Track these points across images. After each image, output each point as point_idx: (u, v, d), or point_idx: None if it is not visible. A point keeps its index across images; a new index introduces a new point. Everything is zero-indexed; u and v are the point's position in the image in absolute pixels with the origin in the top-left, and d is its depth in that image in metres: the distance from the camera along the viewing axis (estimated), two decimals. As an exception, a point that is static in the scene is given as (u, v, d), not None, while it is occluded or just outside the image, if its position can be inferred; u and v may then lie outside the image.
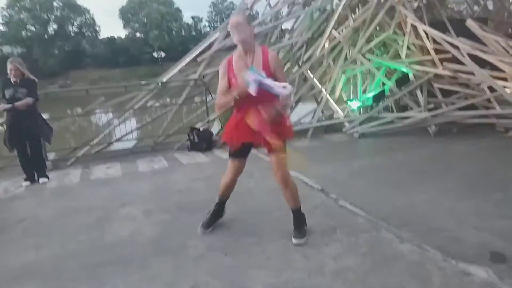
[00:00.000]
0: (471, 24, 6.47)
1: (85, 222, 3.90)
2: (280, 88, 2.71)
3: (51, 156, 6.47)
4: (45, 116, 5.82)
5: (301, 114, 7.64)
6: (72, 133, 9.80)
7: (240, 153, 3.18)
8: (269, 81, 2.73)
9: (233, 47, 8.08)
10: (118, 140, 7.03)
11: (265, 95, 2.77)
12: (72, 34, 51.02)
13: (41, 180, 5.41)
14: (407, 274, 2.61)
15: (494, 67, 6.11)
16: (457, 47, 6.31)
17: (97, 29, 53.12)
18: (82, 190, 5.01)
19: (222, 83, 3.01)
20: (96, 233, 3.61)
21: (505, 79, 6.01)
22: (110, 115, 7.35)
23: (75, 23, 51.86)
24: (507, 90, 5.88)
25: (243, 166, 3.25)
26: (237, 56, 2.98)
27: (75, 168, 6.05)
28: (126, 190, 4.84)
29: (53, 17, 50.17)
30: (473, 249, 2.86)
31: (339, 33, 7.40)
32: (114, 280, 2.79)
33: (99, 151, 6.75)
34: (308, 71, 7.37)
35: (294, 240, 3.12)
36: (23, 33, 48.24)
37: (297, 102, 7.38)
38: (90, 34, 52.54)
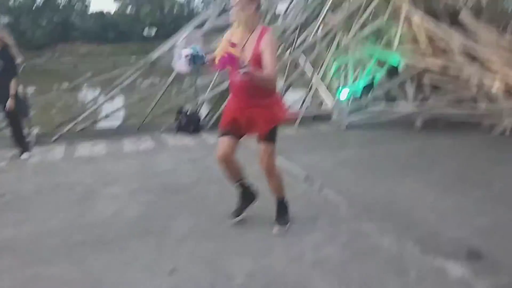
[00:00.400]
0: (465, 16, 6.46)
1: (67, 199, 3.86)
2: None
3: (35, 131, 6.36)
4: (31, 89, 5.69)
5: (290, 101, 7.60)
6: (57, 108, 9.60)
7: (230, 132, 3.00)
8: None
9: (226, 27, 7.98)
10: (104, 118, 6.93)
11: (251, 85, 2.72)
12: (61, 7, 49.61)
13: (23, 156, 5.31)
14: (385, 267, 2.65)
15: (484, 62, 6.13)
16: (449, 39, 6.29)
17: (86, 2, 51.72)
18: (65, 167, 4.95)
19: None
20: (78, 211, 3.58)
21: (494, 73, 6.02)
22: (97, 91, 7.22)
23: (64, -4, 50.42)
24: (495, 87, 5.92)
25: (232, 149, 3.01)
26: (235, 30, 2.90)
27: (59, 145, 5.96)
28: (111, 169, 4.79)
29: (42, -13, 48.71)
30: (451, 245, 2.90)
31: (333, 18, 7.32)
32: (92, 259, 2.78)
33: (84, 129, 6.65)
34: (301, 56, 7.30)
35: (275, 229, 3.11)
36: (11, 2, 46.81)
37: (287, 88, 7.34)
38: (79, 6, 51.14)
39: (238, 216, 3.24)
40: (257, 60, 2.73)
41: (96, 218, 3.45)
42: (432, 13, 7.15)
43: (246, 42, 2.80)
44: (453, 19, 6.70)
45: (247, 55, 2.76)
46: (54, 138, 6.22)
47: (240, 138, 3.03)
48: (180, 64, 2.65)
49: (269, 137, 2.96)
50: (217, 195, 3.58)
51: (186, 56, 2.61)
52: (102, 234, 3.14)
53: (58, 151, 5.63)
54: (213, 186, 3.46)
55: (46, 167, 4.97)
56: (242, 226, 3.23)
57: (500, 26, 8.23)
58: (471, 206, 3.58)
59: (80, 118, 6.66)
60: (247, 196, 3.28)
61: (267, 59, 2.72)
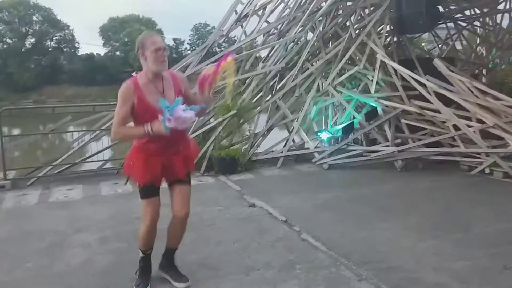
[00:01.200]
0: (438, 63, 6.72)
1: (36, 247, 3.71)
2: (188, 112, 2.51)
3: (11, 175, 6.21)
4: (16, 131, 5.61)
5: (272, 142, 7.65)
6: (35, 151, 9.49)
7: (155, 189, 2.81)
8: (180, 111, 2.47)
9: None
10: (82, 161, 6.83)
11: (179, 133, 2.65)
12: (50, 49, 50.29)
13: None
14: (362, 315, 2.57)
15: (459, 106, 6.32)
16: (424, 85, 6.50)
17: (76, 45, 52.63)
18: (38, 212, 4.79)
19: (123, 110, 2.65)
20: (46, 261, 3.43)
21: (469, 119, 6.20)
22: (76, 134, 7.16)
23: (54, 38, 51.26)
24: (471, 129, 6.06)
25: (159, 208, 2.85)
26: (145, 80, 2.71)
27: (35, 189, 5.81)
28: (84, 214, 4.65)
29: (31, 30, 49.51)
30: (430, 290, 2.85)
31: (312, 64, 7.54)
32: (57, 314, 2.64)
33: (61, 172, 6.53)
34: (281, 100, 7.43)
35: (179, 285, 2.90)
36: (0, 45, 47.36)
37: (269, 130, 7.40)
38: (68, 49, 51.92)
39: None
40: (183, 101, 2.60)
41: (65, 267, 3.31)
42: (406, 61, 7.46)
43: (163, 87, 2.71)
44: (427, 67, 6.97)
45: (170, 99, 2.60)
46: (30, 182, 6.07)
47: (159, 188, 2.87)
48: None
49: (189, 180, 2.93)
50: (191, 243, 3.48)
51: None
52: (69, 285, 3.00)
53: (33, 195, 5.48)
54: (188, 233, 3.35)
55: (19, 213, 4.80)
56: (217, 274, 3.12)
57: (473, 73, 8.65)
58: (450, 249, 3.55)
59: (57, 161, 6.53)
60: (148, 269, 3.01)
61: (191, 95, 2.86)
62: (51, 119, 9.34)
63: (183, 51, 55.70)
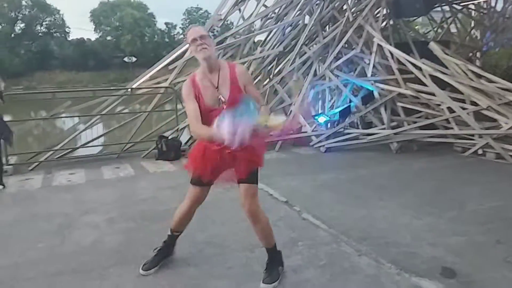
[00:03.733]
0: (433, 46, 6.83)
1: (46, 229, 3.81)
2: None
3: (12, 160, 6.27)
4: (7, 118, 5.65)
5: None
6: (35, 137, 9.51)
7: (203, 181, 2.79)
8: (244, 124, 2.23)
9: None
10: (83, 146, 6.90)
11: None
12: (40, 34, 49.48)
13: None
14: (363, 287, 2.71)
15: (453, 89, 6.45)
16: (419, 68, 6.61)
17: (67, 30, 51.78)
18: (44, 196, 4.88)
19: (191, 106, 2.60)
20: (57, 241, 3.53)
21: (463, 101, 6.34)
22: (76, 119, 7.21)
23: (44, 23, 50.39)
24: (465, 112, 6.21)
25: (205, 196, 2.90)
26: (202, 74, 2.65)
27: (37, 174, 5.88)
28: (90, 197, 4.76)
29: (21, 15, 48.59)
30: (426, 264, 3.00)
31: (309, 48, 7.60)
32: (73, 289, 2.76)
33: (62, 156, 6.60)
34: (278, 84, 7.51)
35: (262, 285, 2.74)
36: (-12, 31, 46.54)
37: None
38: (59, 35, 51.10)
39: (150, 269, 2.96)
40: (235, 98, 2.50)
41: (75, 247, 3.41)
42: (402, 44, 7.54)
43: (218, 81, 2.61)
44: (423, 50, 7.07)
45: (224, 94, 2.59)
46: (32, 167, 6.14)
47: (212, 183, 2.84)
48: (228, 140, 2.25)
49: (252, 177, 2.72)
50: (197, 222, 3.57)
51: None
52: (82, 264, 3.10)
53: (36, 180, 5.56)
54: (195, 213, 3.47)
55: (24, 196, 4.89)
56: (224, 252, 3.25)
57: (467, 56, 8.76)
58: (445, 226, 3.71)
59: (59, 146, 6.60)
60: (167, 250, 3.06)
61: (252, 91, 2.65)
62: (43, 106, 9.37)
63: (175, 36, 55.14)
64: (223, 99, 2.60)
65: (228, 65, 2.71)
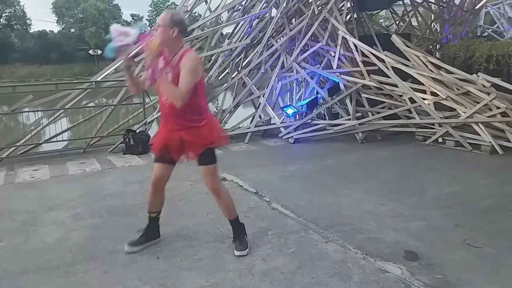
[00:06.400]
0: (395, 39, 7.02)
1: (8, 226, 3.70)
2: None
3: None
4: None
5: (240, 118, 7.78)
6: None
7: (163, 158, 3.01)
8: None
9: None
10: (47, 141, 6.69)
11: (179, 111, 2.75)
12: (0, 27, 47.20)
13: None
14: (331, 272, 2.80)
15: (414, 80, 6.67)
16: (383, 60, 6.80)
17: (28, 22, 49.61)
18: (6, 193, 4.72)
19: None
20: (20, 239, 3.44)
21: (424, 92, 6.58)
22: (40, 114, 6.97)
23: (4, 15, 48.06)
24: (426, 102, 6.44)
25: (165, 175, 3.06)
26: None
27: (-1, 170, 5.67)
28: (54, 193, 4.63)
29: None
30: (390, 248, 3.13)
31: (276, 41, 7.65)
32: (38, 287, 2.70)
33: (25, 153, 6.38)
34: (247, 76, 7.53)
35: (236, 252, 3.06)
36: None
37: (235, 106, 7.50)
38: (19, 27, 48.89)
39: (132, 246, 3.12)
40: (177, 80, 2.72)
41: (40, 245, 3.33)
42: (366, 37, 7.72)
43: (169, 63, 2.80)
44: (386, 43, 7.27)
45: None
46: (-8, 164, 5.91)
47: (174, 161, 3.02)
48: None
49: (205, 159, 2.94)
50: (164, 216, 3.56)
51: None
52: (47, 261, 3.04)
53: (-3, 177, 5.36)
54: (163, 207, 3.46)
55: (-16, 194, 4.71)
56: (194, 244, 3.27)
57: (428, 48, 9.06)
58: (407, 212, 3.87)
59: (21, 142, 6.37)
60: (152, 231, 3.22)
61: (182, 77, 2.71)
62: (3, 101, 9.01)
63: (142, 27, 53.88)
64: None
65: (183, 51, 2.84)
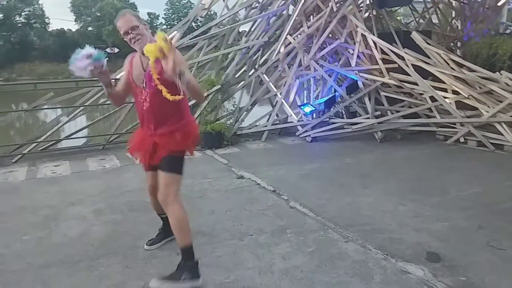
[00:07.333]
0: (416, 36, 6.91)
1: (31, 221, 3.77)
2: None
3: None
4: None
5: (256, 116, 7.77)
6: (17, 129, 9.32)
7: (152, 166, 2.76)
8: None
9: (190, 46, 8.09)
10: (67, 137, 6.80)
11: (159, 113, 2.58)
12: (19, 25, 48.14)
13: None
14: (351, 272, 2.77)
15: (435, 78, 6.55)
16: (402, 58, 6.70)
17: (46, 21, 50.46)
18: (28, 188, 4.81)
19: (122, 76, 2.77)
20: (43, 233, 3.51)
21: (445, 90, 6.46)
22: (59, 111, 7.08)
23: (23, 14, 49.00)
24: (447, 100, 6.33)
25: (153, 181, 2.82)
26: (138, 56, 2.67)
27: (21, 166, 5.78)
28: (75, 189, 4.71)
29: (-1, 6, 47.23)
30: (412, 249, 3.08)
31: (294, 38, 7.60)
32: (60, 281, 2.75)
33: (46, 149, 6.49)
34: (264, 74, 7.51)
35: (154, 281, 2.58)
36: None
37: (252, 104, 7.50)
38: (38, 25, 49.79)
39: (151, 245, 3.13)
40: (164, 79, 2.31)
41: (63, 239, 3.39)
42: (385, 34, 7.61)
43: (147, 63, 2.47)
44: (406, 40, 7.16)
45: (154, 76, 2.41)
46: (15, 159, 6.03)
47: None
48: (79, 63, 2.42)
49: (170, 165, 2.62)
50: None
51: (87, 56, 2.42)
52: (69, 255, 3.09)
53: (19, 172, 5.47)
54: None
55: (8, 189, 4.81)
56: (213, 240, 3.28)
57: (448, 45, 8.89)
58: (429, 212, 3.80)
59: (42, 138, 6.49)
60: (167, 229, 3.03)
61: (190, 76, 2.47)
62: (24, 98, 9.19)
63: (158, 26, 54.33)
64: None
65: None
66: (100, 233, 3.48)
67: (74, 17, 50.95)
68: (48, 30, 49.91)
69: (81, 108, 6.92)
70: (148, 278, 2.72)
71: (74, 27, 51.12)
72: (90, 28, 50.64)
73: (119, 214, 3.90)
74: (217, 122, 6.94)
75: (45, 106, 7.11)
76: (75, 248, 3.20)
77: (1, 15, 47.05)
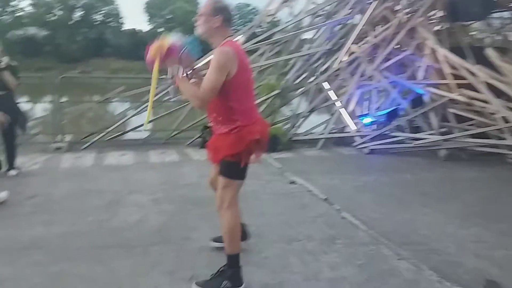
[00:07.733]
0: (490, 53, 6.52)
1: (95, 204, 4.04)
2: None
3: (67, 138, 6.66)
4: (64, 99, 5.99)
5: (313, 124, 7.73)
6: (88, 118, 10.03)
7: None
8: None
9: (253, 51, 8.22)
10: (132, 129, 7.20)
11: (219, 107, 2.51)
12: (97, 23, 51.68)
13: (10, 172, 4.95)
14: (401, 290, 2.67)
15: (510, 98, 6.14)
16: (474, 74, 6.34)
17: (121, 20, 53.74)
18: (95, 173, 5.16)
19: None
20: (105, 216, 3.73)
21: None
22: (127, 105, 7.53)
23: (100, 13, 52.56)
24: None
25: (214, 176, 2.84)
26: None
27: (89, 153, 6.22)
28: (137, 178, 4.98)
29: (79, 4, 50.97)
30: (469, 275, 2.91)
31: (359, 47, 7.48)
32: (116, 261, 2.91)
33: (113, 138, 6.92)
34: (325, 82, 7.45)
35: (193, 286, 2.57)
36: (49, 16, 49.06)
37: (310, 111, 7.47)
38: (113, 24, 53.14)
39: (216, 242, 3.06)
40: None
41: (122, 224, 3.59)
42: (456, 49, 7.26)
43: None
44: (479, 56, 6.78)
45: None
46: (84, 146, 6.48)
47: None
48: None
49: (223, 170, 2.58)
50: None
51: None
52: (127, 239, 3.27)
53: (88, 158, 5.88)
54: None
55: (77, 172, 5.19)
56: (261, 242, 3.30)
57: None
58: (492, 238, 3.56)
59: (110, 128, 6.93)
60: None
61: (206, 75, 2.42)
62: (96, 90, 9.86)
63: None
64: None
65: (222, 44, 2.51)
66: (156, 222, 3.63)
67: (148, 18, 53.74)
68: (122, 29, 53.05)
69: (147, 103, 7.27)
70: (197, 270, 2.80)
71: (145, 27, 53.92)
72: (160, 30, 53.12)
73: (175, 205, 4.06)
74: (274, 126, 6.99)
75: (115, 99, 7.58)
76: (132, 233, 3.38)
77: (82, 12, 50.78)
